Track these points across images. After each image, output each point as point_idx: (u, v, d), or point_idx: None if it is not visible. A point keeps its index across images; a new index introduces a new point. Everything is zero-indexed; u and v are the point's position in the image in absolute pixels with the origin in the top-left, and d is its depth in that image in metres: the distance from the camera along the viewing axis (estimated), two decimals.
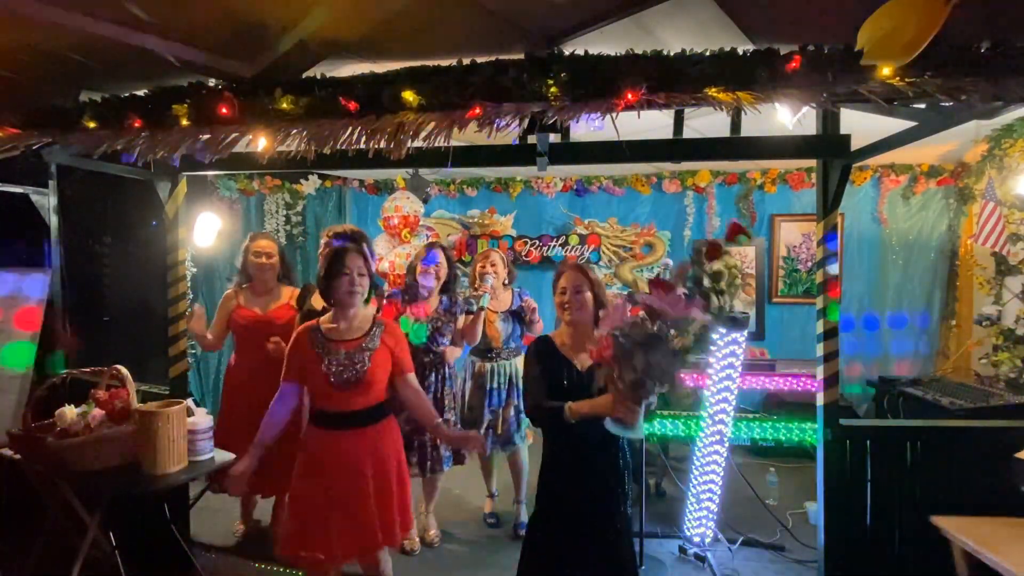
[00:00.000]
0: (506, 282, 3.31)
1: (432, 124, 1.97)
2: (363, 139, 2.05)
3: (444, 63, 1.99)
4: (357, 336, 2.12)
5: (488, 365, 3.27)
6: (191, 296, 4.21)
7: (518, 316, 3.32)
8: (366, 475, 2.07)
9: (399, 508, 2.16)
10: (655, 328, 1.68)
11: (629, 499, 2.08)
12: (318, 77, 2.15)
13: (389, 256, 4.64)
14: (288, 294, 3.09)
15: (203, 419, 2.47)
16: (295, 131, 2.10)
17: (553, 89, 1.86)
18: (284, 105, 2.06)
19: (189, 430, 2.37)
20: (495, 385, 3.26)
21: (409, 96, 1.96)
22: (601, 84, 1.84)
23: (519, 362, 3.28)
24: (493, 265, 3.21)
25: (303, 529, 2.08)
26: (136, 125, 2.24)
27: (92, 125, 2.30)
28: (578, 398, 1.87)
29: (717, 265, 1.83)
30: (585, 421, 1.85)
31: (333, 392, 2.07)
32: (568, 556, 1.97)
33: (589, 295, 2.06)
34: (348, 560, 2.16)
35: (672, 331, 1.68)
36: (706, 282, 1.82)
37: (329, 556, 2.07)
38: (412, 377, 2.21)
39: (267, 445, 2.12)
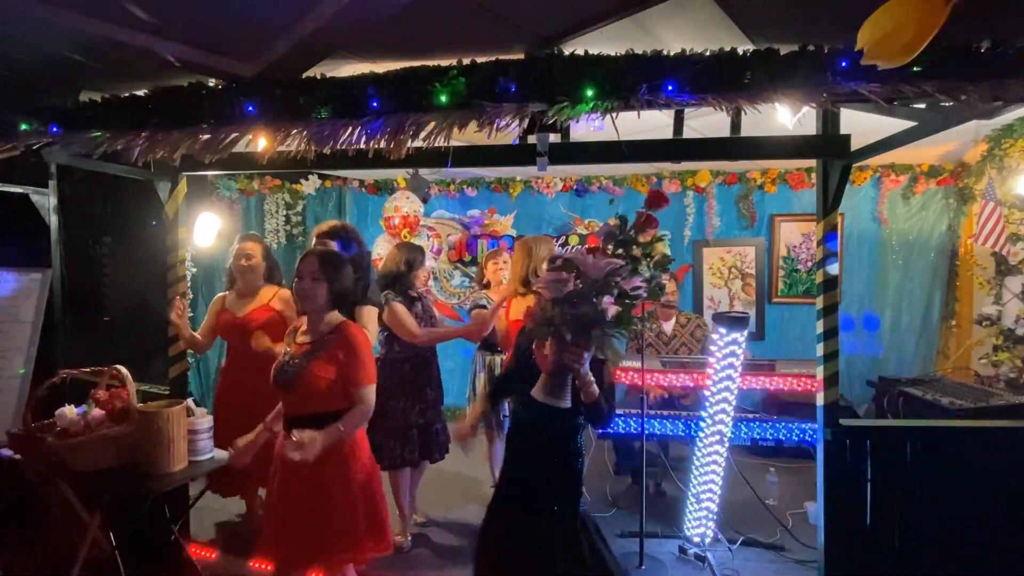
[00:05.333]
0: None
1: (432, 124, 1.97)
2: (363, 139, 2.05)
3: (444, 63, 1.99)
4: (313, 339, 2.05)
5: (498, 358, 3.35)
6: (191, 296, 4.21)
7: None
8: (310, 483, 1.99)
9: (354, 526, 2.03)
10: (580, 288, 1.71)
11: (579, 494, 2.08)
12: (318, 77, 2.15)
13: None
14: (269, 295, 3.03)
15: (203, 419, 2.47)
16: (295, 131, 2.10)
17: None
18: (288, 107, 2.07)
19: (189, 430, 2.37)
20: None
21: (410, 96, 1.97)
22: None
23: None
24: (506, 263, 3.35)
25: (264, 526, 2.12)
26: (136, 125, 2.25)
27: (92, 125, 2.30)
28: (534, 384, 1.89)
29: (647, 240, 1.84)
30: (540, 410, 1.87)
31: (278, 392, 2.06)
32: (522, 540, 1.98)
33: None
34: (294, 568, 2.09)
35: (599, 292, 1.71)
36: (635, 249, 1.82)
37: (275, 559, 2.08)
38: (359, 392, 2.02)
39: (271, 428, 2.16)
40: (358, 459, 2.09)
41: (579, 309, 1.68)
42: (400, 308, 3.01)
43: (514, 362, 2.11)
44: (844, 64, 1.74)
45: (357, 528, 2.03)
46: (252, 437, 2.15)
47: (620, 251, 1.82)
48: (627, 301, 1.76)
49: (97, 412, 2.33)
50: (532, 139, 2.32)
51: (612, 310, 1.72)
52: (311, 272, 2.01)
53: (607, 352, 1.78)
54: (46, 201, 3.36)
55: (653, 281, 1.83)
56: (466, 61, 1.98)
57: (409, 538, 3.19)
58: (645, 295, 1.80)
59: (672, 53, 1.87)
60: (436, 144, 2.02)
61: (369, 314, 2.78)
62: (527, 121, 2.01)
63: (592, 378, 1.85)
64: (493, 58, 1.98)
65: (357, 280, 2.68)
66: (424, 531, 3.34)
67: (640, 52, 1.89)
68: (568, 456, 2.00)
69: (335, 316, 2.10)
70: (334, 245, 2.83)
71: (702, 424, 3.07)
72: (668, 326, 3.96)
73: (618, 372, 3.34)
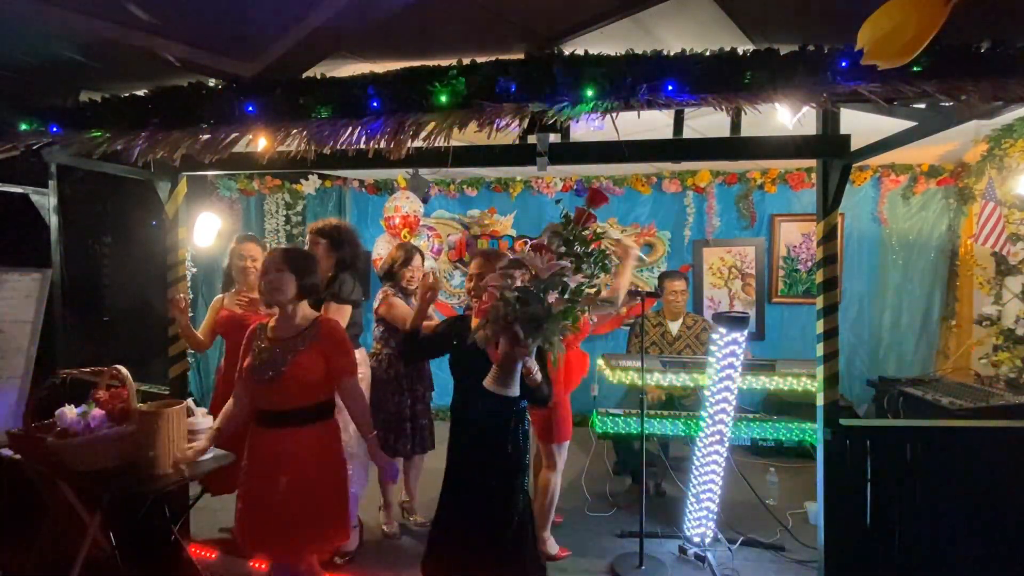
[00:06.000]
0: None
1: (432, 124, 1.97)
2: (363, 139, 2.05)
3: (444, 63, 2.00)
4: (290, 335, 2.08)
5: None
6: (191, 296, 4.20)
7: None
8: (284, 477, 2.03)
9: (324, 518, 2.09)
10: (530, 286, 1.80)
11: (527, 476, 2.19)
12: (318, 77, 2.15)
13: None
14: None
15: (203, 419, 2.47)
16: (295, 131, 2.10)
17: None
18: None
19: (189, 430, 2.37)
20: None
21: (410, 96, 1.97)
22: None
23: None
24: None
25: (237, 519, 2.16)
26: (136, 125, 2.25)
27: (92, 125, 2.30)
28: (479, 374, 1.97)
29: (586, 232, 1.92)
30: (493, 399, 1.96)
31: (256, 388, 2.07)
32: (466, 536, 2.10)
33: None
34: (266, 558, 2.19)
35: (546, 289, 1.80)
36: (576, 247, 1.89)
37: (249, 550, 2.17)
38: (350, 382, 2.12)
39: (222, 433, 2.22)
40: (331, 451, 2.16)
41: (530, 307, 1.77)
42: (398, 301, 3.11)
43: (434, 336, 2.26)
44: (844, 64, 1.74)
45: (324, 519, 2.09)
46: (204, 445, 2.23)
47: (564, 249, 1.90)
48: (571, 297, 1.84)
49: (97, 412, 2.32)
50: (532, 139, 2.33)
51: (558, 305, 1.81)
52: (276, 265, 2.05)
53: (553, 344, 1.85)
54: (46, 201, 3.36)
55: (594, 277, 1.92)
56: (466, 61, 1.98)
57: (396, 526, 3.26)
58: (586, 291, 1.90)
59: (672, 53, 1.87)
60: (436, 144, 2.02)
61: (337, 311, 2.76)
62: (527, 121, 2.01)
63: (536, 365, 1.98)
64: (493, 58, 1.98)
65: (332, 279, 2.77)
66: (424, 531, 3.34)
67: (640, 52, 1.89)
68: (519, 438, 2.13)
69: (309, 311, 2.15)
70: (324, 242, 2.86)
71: (702, 424, 3.07)
72: (674, 327, 3.96)
73: (618, 372, 3.35)
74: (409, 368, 3.17)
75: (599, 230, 2.00)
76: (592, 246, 1.91)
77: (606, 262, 1.96)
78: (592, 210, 1.93)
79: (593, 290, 1.92)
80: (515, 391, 1.90)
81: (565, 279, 1.82)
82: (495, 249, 2.48)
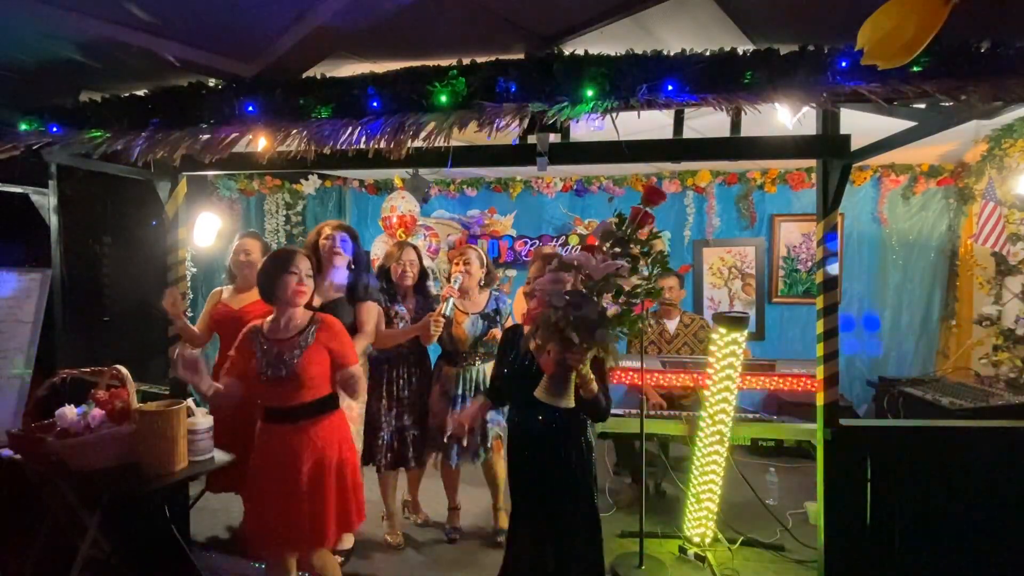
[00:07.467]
0: (482, 283, 3.17)
1: (432, 124, 1.97)
2: (363, 139, 2.05)
3: (444, 63, 2.00)
4: (292, 334, 2.13)
5: (454, 370, 3.07)
6: (191, 296, 4.21)
7: (491, 320, 3.12)
8: (301, 471, 2.08)
9: (339, 507, 2.13)
10: (581, 288, 1.74)
11: (595, 487, 2.11)
12: (318, 77, 2.15)
13: None
14: None
15: (203, 419, 2.47)
16: (295, 131, 2.11)
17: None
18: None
19: (189, 430, 2.37)
20: (460, 392, 3.04)
21: (410, 96, 1.97)
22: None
23: (489, 368, 3.05)
24: (468, 263, 3.06)
25: (249, 520, 2.19)
26: (136, 125, 2.25)
27: (92, 125, 2.30)
28: (533, 384, 1.89)
29: (645, 236, 1.85)
30: (544, 412, 1.93)
31: (264, 388, 2.12)
32: (545, 545, 2.04)
33: None
34: (286, 554, 2.18)
35: (600, 291, 1.74)
36: (633, 248, 1.82)
37: (267, 549, 2.16)
38: (350, 371, 2.15)
39: (219, 394, 2.11)
40: (341, 440, 2.20)
41: (583, 311, 1.69)
42: (372, 307, 2.93)
43: (507, 366, 2.16)
44: (844, 64, 1.75)
45: (328, 514, 2.11)
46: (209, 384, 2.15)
47: (618, 249, 1.83)
48: (628, 299, 1.77)
49: (97, 412, 2.32)
50: (532, 139, 2.33)
51: (612, 309, 1.74)
52: (305, 269, 2.14)
53: (608, 353, 1.76)
54: (46, 201, 3.36)
55: (652, 279, 1.84)
56: (466, 61, 1.99)
57: (400, 536, 3.19)
58: (644, 294, 1.81)
59: (672, 53, 1.88)
60: (436, 144, 2.02)
61: (369, 311, 2.84)
62: (527, 121, 2.01)
63: (592, 376, 1.87)
64: (493, 58, 1.98)
65: (358, 279, 2.82)
66: (422, 532, 3.34)
67: (640, 52, 1.89)
68: (582, 450, 2.05)
69: (305, 309, 2.21)
70: (341, 237, 2.87)
71: (702, 424, 3.07)
72: (672, 325, 3.96)
73: (618, 372, 3.34)
74: (396, 374, 3.04)
75: (656, 232, 1.93)
76: (650, 246, 1.82)
77: (664, 263, 1.86)
78: (649, 209, 1.84)
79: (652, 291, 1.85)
80: (569, 402, 1.79)
81: (620, 281, 1.74)
82: (556, 251, 2.42)
